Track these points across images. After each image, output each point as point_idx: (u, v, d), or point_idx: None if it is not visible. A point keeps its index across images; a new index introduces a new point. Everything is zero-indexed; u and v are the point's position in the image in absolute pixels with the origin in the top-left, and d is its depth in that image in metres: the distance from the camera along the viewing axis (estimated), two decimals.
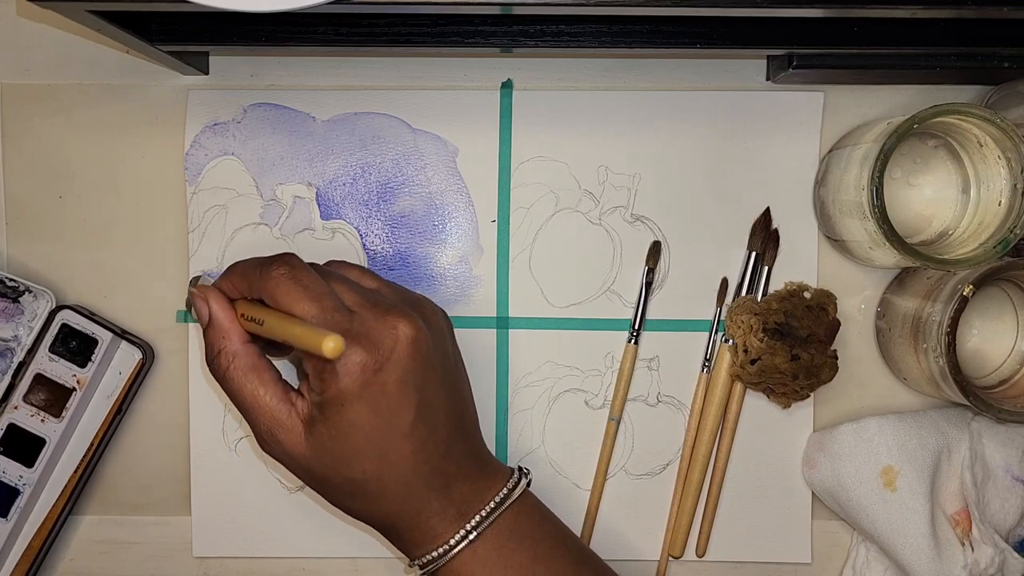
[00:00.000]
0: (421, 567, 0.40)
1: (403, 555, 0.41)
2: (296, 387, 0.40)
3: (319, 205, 0.48)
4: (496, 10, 0.37)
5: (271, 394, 0.39)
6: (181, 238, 0.48)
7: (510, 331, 0.49)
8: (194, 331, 0.48)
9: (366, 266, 0.48)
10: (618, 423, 0.48)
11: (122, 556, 0.49)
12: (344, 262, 0.44)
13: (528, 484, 0.42)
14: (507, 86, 0.48)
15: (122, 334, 0.47)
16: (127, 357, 0.48)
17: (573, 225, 0.48)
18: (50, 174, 0.48)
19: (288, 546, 0.49)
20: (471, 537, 0.39)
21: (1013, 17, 0.36)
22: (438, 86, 0.48)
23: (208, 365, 0.40)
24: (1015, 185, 0.41)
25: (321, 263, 0.43)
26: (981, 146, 0.42)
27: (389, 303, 0.39)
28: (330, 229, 0.48)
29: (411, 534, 0.40)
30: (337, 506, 0.41)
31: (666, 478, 0.49)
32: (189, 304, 0.47)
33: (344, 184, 0.48)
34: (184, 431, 0.49)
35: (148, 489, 0.49)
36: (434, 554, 0.39)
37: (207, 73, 0.48)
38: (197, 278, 0.45)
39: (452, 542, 0.39)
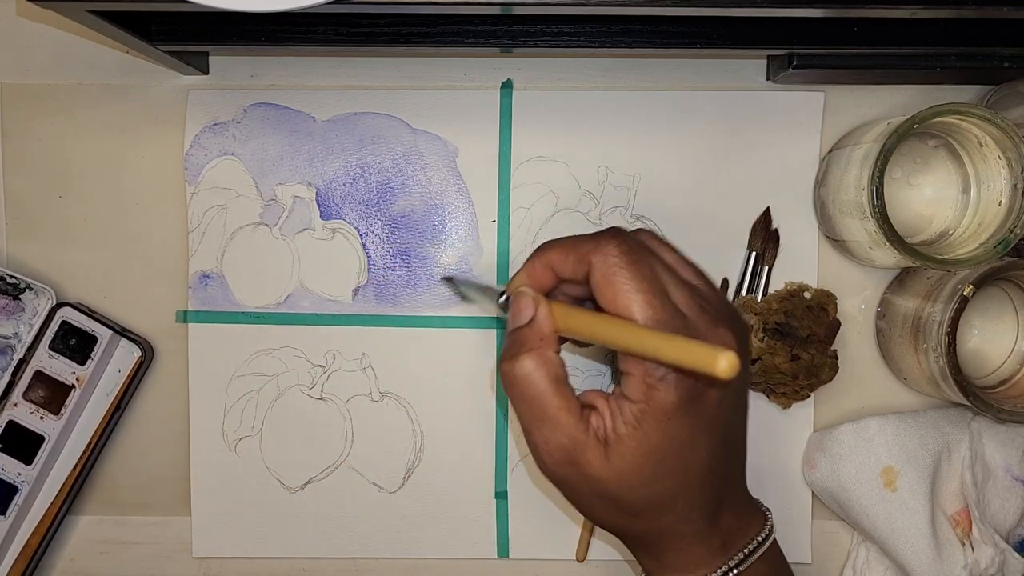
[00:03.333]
0: None
1: (648, 572, 0.38)
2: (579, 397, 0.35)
3: (319, 205, 0.48)
4: (496, 10, 0.37)
5: (571, 411, 0.34)
6: (181, 238, 0.48)
7: None
8: (194, 331, 0.48)
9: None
10: None
11: (122, 556, 0.49)
12: (655, 236, 0.37)
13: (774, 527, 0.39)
14: (507, 86, 0.48)
15: (122, 332, 0.47)
16: (126, 355, 0.48)
17: (573, 225, 0.48)
18: (50, 174, 0.48)
19: (288, 546, 0.49)
20: (732, 574, 0.36)
21: (1013, 17, 0.36)
22: (438, 86, 0.48)
23: (506, 363, 0.35)
24: (1015, 185, 0.41)
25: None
26: (981, 146, 0.42)
27: (715, 309, 0.35)
28: (330, 229, 0.48)
29: (673, 556, 0.36)
30: (603, 522, 0.37)
31: None
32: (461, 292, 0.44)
33: (344, 184, 0.48)
34: (184, 431, 0.49)
35: (148, 489, 0.49)
36: None
37: (207, 73, 0.48)
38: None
39: (713, 573, 0.36)
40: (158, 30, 0.42)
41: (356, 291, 0.48)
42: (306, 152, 0.48)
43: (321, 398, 0.49)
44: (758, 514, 0.39)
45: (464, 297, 0.45)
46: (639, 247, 0.35)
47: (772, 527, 0.38)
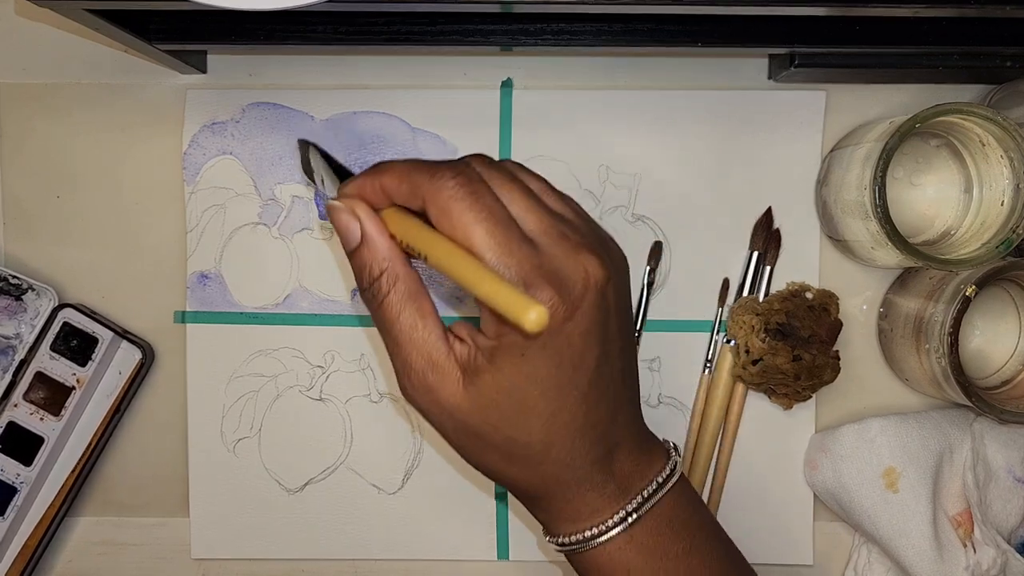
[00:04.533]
0: (565, 545, 0.35)
1: (544, 525, 0.37)
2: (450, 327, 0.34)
3: (318, 205, 0.48)
4: (496, 8, 0.37)
5: (430, 330, 0.33)
6: (179, 238, 0.48)
7: None
8: (192, 331, 0.48)
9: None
10: None
11: (120, 558, 0.49)
12: (522, 166, 0.36)
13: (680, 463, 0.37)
14: (507, 85, 0.48)
15: (123, 334, 0.47)
16: (127, 357, 0.47)
17: None
18: (48, 173, 0.48)
19: (287, 548, 0.49)
20: (630, 520, 0.34)
21: (1015, 16, 0.36)
22: (437, 85, 0.48)
23: (362, 291, 0.34)
24: (1017, 185, 0.41)
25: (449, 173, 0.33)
26: (983, 146, 0.42)
27: (579, 236, 0.33)
28: (329, 229, 0.48)
29: (564, 507, 0.35)
30: (481, 466, 0.35)
31: None
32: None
33: None
34: (182, 432, 0.49)
35: (146, 490, 0.49)
36: (587, 534, 0.34)
37: (205, 72, 0.48)
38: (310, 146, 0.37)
39: (610, 522, 0.34)
40: (156, 29, 0.42)
41: (355, 291, 0.48)
42: None
43: (320, 399, 0.49)
44: (658, 451, 0.36)
45: (306, 172, 0.39)
46: (480, 179, 0.32)
47: (677, 463, 0.36)
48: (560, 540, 0.36)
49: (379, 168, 0.34)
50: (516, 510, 0.49)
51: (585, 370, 0.33)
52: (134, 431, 0.49)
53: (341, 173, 0.37)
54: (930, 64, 0.44)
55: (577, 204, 0.35)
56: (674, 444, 0.38)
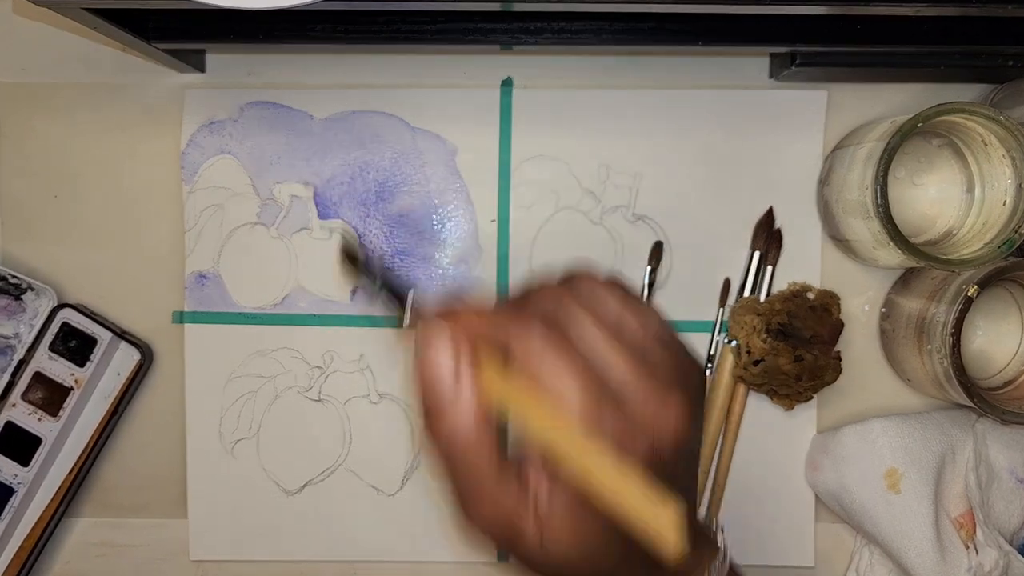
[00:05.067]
0: None
1: None
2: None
3: (317, 204, 0.48)
4: (496, 7, 0.37)
5: (509, 492, 0.29)
6: (177, 238, 0.48)
7: None
8: (190, 332, 0.48)
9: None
10: None
11: (118, 559, 0.49)
12: (591, 278, 0.31)
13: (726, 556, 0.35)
14: (507, 84, 0.48)
15: (121, 334, 0.47)
16: (126, 358, 0.47)
17: (574, 225, 0.48)
18: (46, 173, 0.48)
19: (285, 549, 0.49)
20: None
21: (1017, 15, 0.36)
22: (437, 84, 0.48)
23: (432, 437, 0.30)
24: (1020, 184, 0.41)
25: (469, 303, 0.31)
26: (985, 145, 0.42)
27: (662, 373, 0.29)
28: (328, 229, 0.48)
29: None
30: None
31: None
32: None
33: (342, 183, 0.48)
34: (180, 433, 0.48)
35: (144, 492, 0.49)
36: None
37: (204, 71, 0.48)
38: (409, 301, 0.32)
39: None
40: (155, 28, 0.42)
41: (354, 291, 0.48)
42: (304, 151, 0.48)
43: (319, 400, 0.48)
44: (709, 543, 0.34)
45: (363, 281, 0.33)
46: (571, 312, 0.30)
47: (726, 548, 0.34)
48: None
49: (458, 302, 0.30)
50: None
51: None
52: (132, 432, 0.49)
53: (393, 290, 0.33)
54: (932, 63, 0.44)
55: (655, 312, 0.31)
56: (721, 527, 0.35)
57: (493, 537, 0.30)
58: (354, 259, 0.33)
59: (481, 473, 0.29)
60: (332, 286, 0.48)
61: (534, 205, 0.48)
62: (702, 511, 0.48)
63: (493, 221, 0.48)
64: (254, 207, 0.48)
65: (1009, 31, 0.42)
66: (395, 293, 0.33)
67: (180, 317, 0.48)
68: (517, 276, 0.48)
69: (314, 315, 0.48)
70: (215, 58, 0.48)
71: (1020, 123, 0.40)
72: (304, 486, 0.49)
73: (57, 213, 0.48)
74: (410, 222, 0.48)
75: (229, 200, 0.48)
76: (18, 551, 0.47)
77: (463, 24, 0.42)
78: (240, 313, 0.48)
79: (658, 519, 0.26)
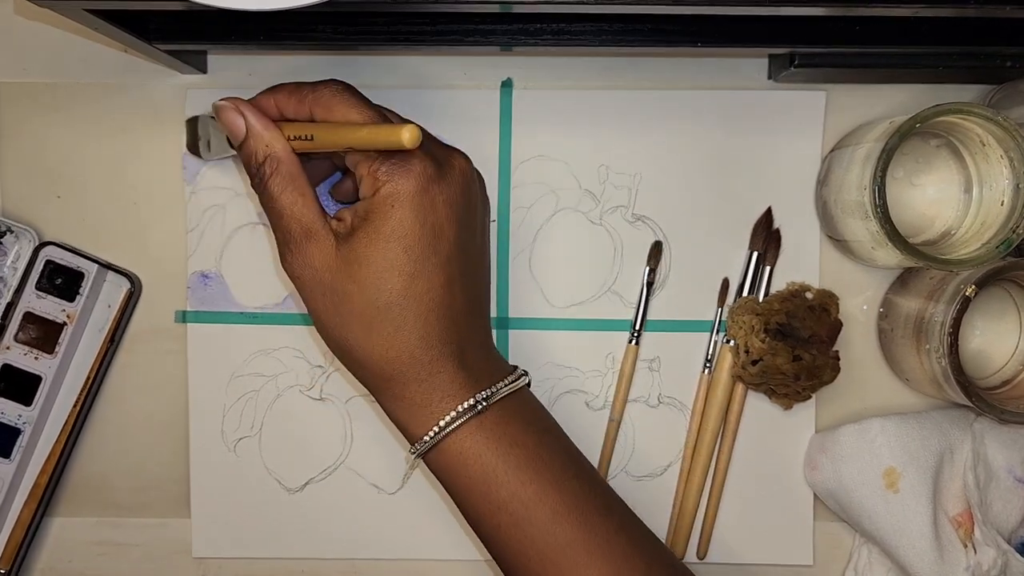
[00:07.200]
0: (424, 443, 0.38)
1: (403, 428, 0.39)
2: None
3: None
4: (496, 8, 0.37)
5: (308, 206, 0.38)
6: (179, 238, 0.48)
7: (510, 331, 0.48)
8: (192, 331, 0.48)
9: None
10: (619, 424, 0.48)
11: (120, 558, 0.49)
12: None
13: (529, 383, 0.41)
14: (507, 85, 0.48)
15: (107, 265, 0.47)
16: (115, 289, 0.47)
17: (573, 225, 0.48)
18: (48, 174, 0.48)
19: (287, 547, 0.49)
20: (479, 407, 0.37)
21: (1015, 16, 0.36)
22: (437, 85, 0.48)
23: (251, 178, 0.39)
24: (1017, 185, 0.41)
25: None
26: (983, 145, 0.42)
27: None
28: None
29: (417, 391, 0.37)
30: (342, 340, 0.38)
31: (667, 480, 0.49)
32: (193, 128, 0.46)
33: None
34: (183, 432, 0.49)
35: (146, 491, 0.49)
36: (440, 423, 0.37)
37: (206, 72, 0.48)
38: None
39: (460, 408, 0.37)
40: (156, 29, 0.42)
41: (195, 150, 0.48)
42: None
43: (320, 399, 0.49)
44: (508, 366, 0.41)
45: (193, 148, 0.46)
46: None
47: (525, 375, 0.40)
48: (419, 441, 0.38)
49: (267, 90, 0.40)
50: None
51: (445, 241, 0.37)
52: (135, 432, 0.49)
53: None
54: (930, 64, 0.44)
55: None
56: (525, 370, 0.41)
57: (295, 254, 0.38)
58: (192, 141, 0.46)
59: (282, 196, 0.38)
60: None
61: (534, 205, 0.48)
62: (701, 511, 0.48)
63: (493, 221, 0.48)
64: (255, 207, 0.48)
65: (1007, 32, 0.42)
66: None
67: (183, 316, 0.48)
68: (517, 276, 0.48)
69: None
70: (216, 59, 0.48)
71: (1018, 123, 0.40)
72: (306, 484, 0.49)
73: (59, 213, 0.48)
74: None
75: (231, 201, 0.48)
76: (32, 488, 0.47)
77: (463, 26, 0.42)
78: (242, 313, 0.48)
79: (391, 127, 0.35)
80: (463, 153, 0.40)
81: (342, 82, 0.39)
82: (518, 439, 0.38)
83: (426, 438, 0.38)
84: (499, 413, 0.38)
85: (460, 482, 0.38)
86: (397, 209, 0.36)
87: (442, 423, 0.37)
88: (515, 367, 0.41)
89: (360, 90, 0.47)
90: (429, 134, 0.39)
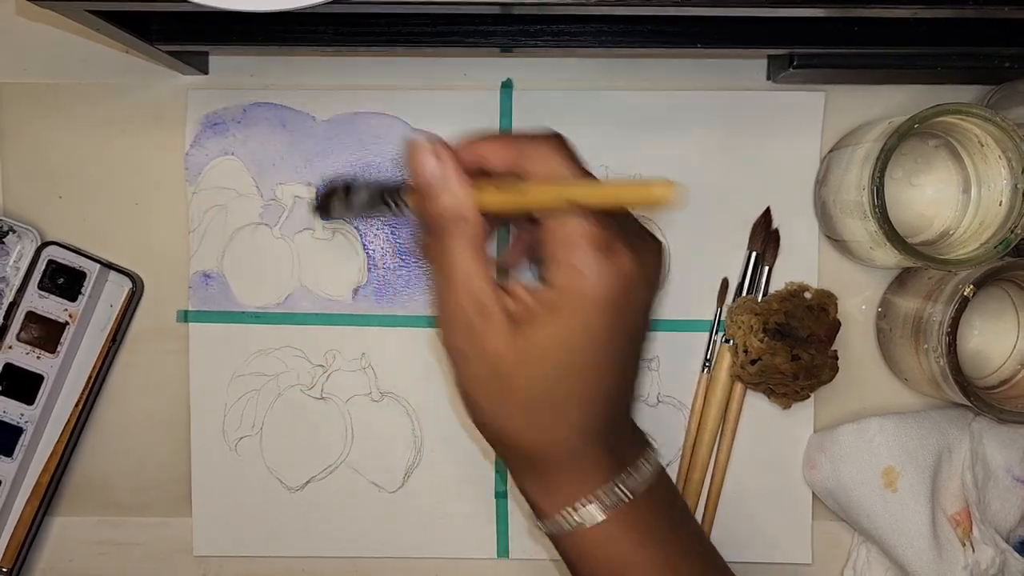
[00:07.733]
0: (557, 522, 0.34)
1: (537, 503, 0.36)
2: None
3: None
4: (496, 10, 0.37)
5: (486, 278, 0.33)
6: (181, 238, 0.48)
7: None
8: (194, 331, 0.48)
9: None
10: None
11: (121, 557, 0.49)
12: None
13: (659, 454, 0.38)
14: (507, 86, 0.48)
15: (109, 265, 0.47)
16: (116, 288, 0.48)
17: None
18: (49, 174, 0.48)
19: (288, 546, 0.49)
20: (625, 498, 0.34)
21: (1014, 17, 0.36)
22: (438, 86, 0.48)
23: (426, 232, 0.34)
24: (1016, 185, 0.41)
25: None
26: (982, 146, 0.42)
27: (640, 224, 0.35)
28: (330, 229, 0.48)
29: (561, 474, 0.34)
30: (497, 424, 0.34)
31: None
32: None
33: None
34: (184, 431, 0.49)
35: (148, 490, 0.49)
36: (581, 509, 0.34)
37: (207, 73, 0.48)
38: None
39: (606, 499, 0.34)
40: (157, 30, 0.42)
41: (356, 291, 0.48)
42: (306, 152, 0.48)
43: (321, 398, 0.49)
44: (645, 443, 0.37)
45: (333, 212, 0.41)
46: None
47: (658, 453, 0.37)
48: (552, 518, 0.35)
49: (474, 136, 0.35)
50: (516, 506, 0.49)
51: (630, 341, 0.34)
52: (136, 431, 0.49)
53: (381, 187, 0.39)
54: (929, 65, 0.44)
55: None
56: (652, 439, 0.38)
57: (460, 326, 0.33)
58: (333, 195, 0.40)
59: (458, 263, 0.33)
60: (334, 286, 0.49)
61: None
62: (700, 510, 0.49)
63: None
64: (257, 208, 0.48)
65: (1006, 32, 0.42)
66: (379, 197, 0.38)
67: (185, 316, 0.49)
68: (517, 277, 0.48)
69: (316, 314, 0.48)
70: (218, 60, 0.48)
71: (1016, 124, 0.40)
72: (306, 483, 0.49)
73: (61, 214, 0.48)
74: (411, 222, 0.48)
75: (233, 201, 0.48)
76: (35, 487, 0.47)
77: (463, 27, 0.42)
78: (244, 312, 0.48)
79: (647, 186, 0.31)
80: (656, 238, 0.36)
81: (561, 135, 0.35)
82: (658, 535, 0.35)
83: (559, 519, 0.34)
84: (641, 502, 0.35)
85: (589, 564, 0.35)
86: (594, 315, 0.32)
87: (582, 511, 0.34)
88: (650, 443, 0.37)
89: (360, 90, 0.48)
90: (628, 212, 0.35)
